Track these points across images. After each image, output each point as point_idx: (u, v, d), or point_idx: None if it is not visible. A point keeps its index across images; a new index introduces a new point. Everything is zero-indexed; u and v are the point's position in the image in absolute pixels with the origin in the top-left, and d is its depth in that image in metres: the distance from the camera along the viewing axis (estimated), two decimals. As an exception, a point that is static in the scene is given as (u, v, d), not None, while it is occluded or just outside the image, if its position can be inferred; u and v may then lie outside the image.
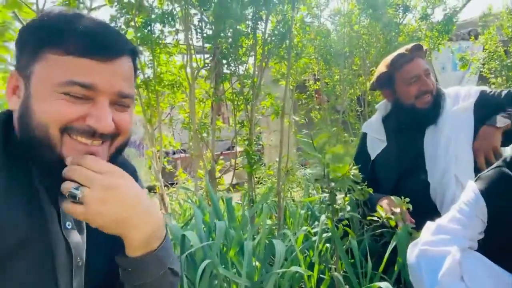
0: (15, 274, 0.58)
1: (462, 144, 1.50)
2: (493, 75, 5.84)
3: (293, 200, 2.19)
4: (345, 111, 3.61)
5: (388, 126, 1.71)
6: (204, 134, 2.33)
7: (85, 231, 0.68)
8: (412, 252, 1.10)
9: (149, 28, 2.20)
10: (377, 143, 1.72)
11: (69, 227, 0.66)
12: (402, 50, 1.60)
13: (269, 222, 1.93)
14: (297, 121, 1.37)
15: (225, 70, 2.30)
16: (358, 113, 3.75)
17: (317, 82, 4.12)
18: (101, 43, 0.60)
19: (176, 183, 3.11)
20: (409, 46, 1.60)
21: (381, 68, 1.66)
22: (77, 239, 0.66)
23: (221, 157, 2.63)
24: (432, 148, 1.55)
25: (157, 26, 2.24)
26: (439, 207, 1.46)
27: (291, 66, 2.06)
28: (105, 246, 0.69)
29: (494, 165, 1.11)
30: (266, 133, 3.62)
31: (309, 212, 1.98)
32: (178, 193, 2.60)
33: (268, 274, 1.19)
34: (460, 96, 1.63)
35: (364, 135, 1.80)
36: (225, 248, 1.33)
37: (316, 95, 4.18)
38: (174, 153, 4.99)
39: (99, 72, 0.59)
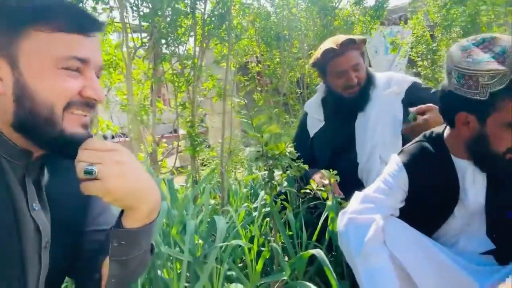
0: None
1: (389, 127, 1.63)
2: (420, 58, 6.31)
3: (237, 180, 2.26)
4: (286, 93, 3.72)
5: (325, 107, 1.82)
6: (144, 117, 2.29)
7: (49, 213, 0.69)
8: (341, 220, 1.18)
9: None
10: (315, 123, 1.83)
11: (36, 208, 0.66)
12: (333, 43, 1.66)
13: (212, 202, 1.97)
14: (238, 103, 1.41)
15: (164, 50, 2.26)
16: (298, 95, 3.89)
17: (259, 64, 4.18)
18: (87, 19, 0.65)
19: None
20: (341, 40, 1.65)
21: (316, 54, 1.74)
22: (44, 220, 0.67)
23: (164, 140, 2.60)
24: (362, 131, 1.68)
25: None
26: (365, 184, 1.59)
27: (231, 47, 2.08)
28: (65, 229, 0.70)
29: (416, 140, 1.23)
30: (210, 115, 3.63)
31: (252, 190, 2.06)
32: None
33: (209, 248, 1.24)
34: (393, 80, 1.74)
35: (305, 114, 1.90)
36: (167, 228, 1.36)
37: (258, 77, 4.25)
38: (113, 137, 4.80)
39: (89, 47, 0.65)
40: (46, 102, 0.61)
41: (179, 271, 1.23)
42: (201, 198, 1.57)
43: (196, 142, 2.16)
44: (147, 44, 2.21)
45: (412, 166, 1.18)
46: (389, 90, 1.69)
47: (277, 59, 3.77)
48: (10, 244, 0.61)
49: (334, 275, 1.24)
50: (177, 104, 2.27)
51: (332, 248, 1.51)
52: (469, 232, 1.16)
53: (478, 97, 0.96)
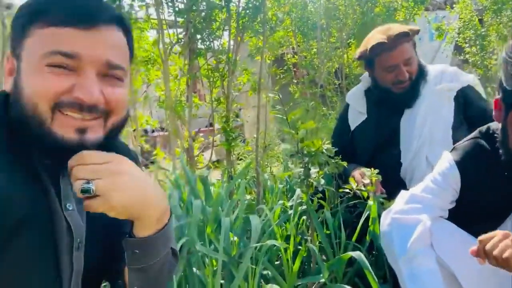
0: (17, 252, 0.58)
1: (438, 126, 1.52)
2: (467, 45, 5.92)
3: (273, 175, 2.22)
4: (323, 84, 3.62)
5: (369, 99, 1.72)
6: (181, 112, 2.31)
7: (85, 214, 0.68)
8: (385, 220, 1.14)
9: (117, 2, 2.12)
10: (357, 115, 1.74)
11: (70, 208, 0.64)
12: (383, 35, 1.53)
13: (248, 197, 1.96)
14: (273, 97, 1.36)
15: (199, 46, 2.25)
16: (336, 86, 3.77)
17: (295, 56, 4.09)
18: (82, 11, 0.59)
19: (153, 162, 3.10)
20: (392, 31, 1.52)
21: (364, 47, 1.61)
22: (78, 220, 0.66)
23: (200, 134, 2.62)
24: (408, 128, 1.57)
25: (127, 0, 2.16)
26: (407, 184, 1.50)
27: (266, 40, 2.04)
28: (102, 230, 0.69)
29: (470, 136, 1.15)
30: (245, 109, 3.61)
31: (287, 186, 2.01)
32: (154, 171, 2.59)
33: (245, 248, 1.22)
34: (445, 75, 1.61)
35: (347, 105, 1.81)
36: (203, 225, 1.35)
37: (295, 69, 4.16)
38: (152, 131, 4.94)
39: (82, 41, 0.58)
40: (30, 100, 0.58)
41: (214, 269, 1.22)
42: (237, 194, 1.55)
43: (231, 137, 2.15)
44: (182, 40, 2.22)
45: (466, 164, 1.10)
46: (441, 86, 1.57)
47: (314, 50, 3.67)
48: (45, 245, 0.61)
49: (375, 278, 1.18)
50: (212, 99, 2.26)
51: (373, 249, 1.44)
52: None
53: None
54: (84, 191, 0.56)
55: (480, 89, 1.61)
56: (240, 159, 3.07)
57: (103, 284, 0.93)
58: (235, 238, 1.36)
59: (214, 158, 3.58)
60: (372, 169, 1.39)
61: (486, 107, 1.52)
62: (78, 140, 0.59)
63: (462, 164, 1.10)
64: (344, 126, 1.75)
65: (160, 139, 4.09)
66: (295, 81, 3.70)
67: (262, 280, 1.34)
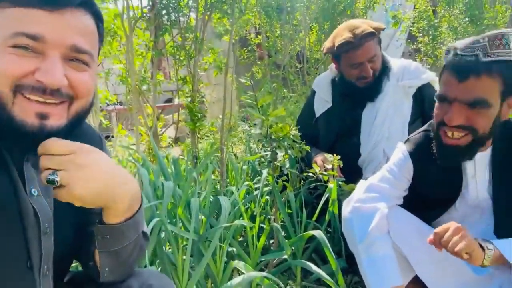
0: None
1: (396, 122, 1.63)
2: (420, 34, 6.22)
3: (235, 155, 2.27)
4: (285, 66, 3.68)
5: (335, 89, 1.78)
6: (144, 87, 2.27)
7: (52, 198, 0.67)
8: (346, 208, 1.21)
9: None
10: (323, 103, 1.80)
11: (35, 194, 0.64)
12: (349, 33, 1.58)
13: (212, 177, 2.00)
14: (244, 83, 1.39)
15: (165, 22, 2.20)
16: (298, 69, 3.84)
17: (259, 36, 4.10)
18: None
19: (112, 136, 3.00)
20: (358, 30, 1.57)
21: (331, 42, 1.66)
22: (44, 206, 0.65)
23: (160, 110, 2.59)
24: (369, 121, 1.66)
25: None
26: (363, 172, 1.62)
27: (235, 22, 2.04)
28: (71, 214, 0.69)
29: (422, 129, 1.23)
30: (207, 88, 3.59)
31: (250, 167, 2.08)
32: (116, 149, 2.54)
33: (214, 228, 1.28)
34: (407, 71, 1.69)
35: (313, 92, 1.87)
36: (171, 205, 1.39)
37: (258, 49, 4.18)
38: (107, 105, 4.74)
39: (47, 23, 0.57)
40: None
41: (183, 247, 1.27)
42: (204, 175, 1.59)
43: (197, 117, 2.16)
44: (148, 15, 2.16)
45: (417, 155, 1.18)
46: (402, 83, 1.66)
47: (278, 31, 3.70)
48: (13, 230, 0.61)
49: (333, 254, 1.29)
50: (177, 78, 2.24)
51: (330, 227, 1.56)
52: (471, 222, 1.18)
53: None
54: (49, 181, 0.56)
55: (437, 85, 1.73)
56: (202, 138, 3.09)
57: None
58: (202, 217, 1.41)
59: (174, 135, 3.57)
60: (335, 155, 1.49)
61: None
62: (39, 126, 0.58)
63: (414, 155, 1.18)
64: (310, 112, 1.83)
65: (116, 114, 3.96)
66: (259, 62, 3.72)
67: (227, 257, 1.42)
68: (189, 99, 2.13)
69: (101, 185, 0.59)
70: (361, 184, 1.23)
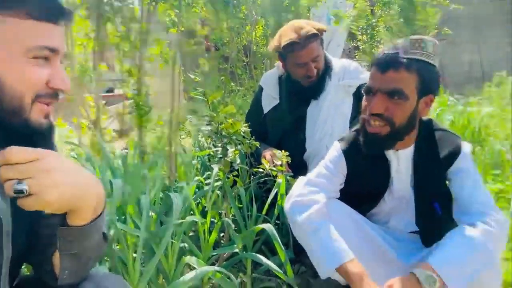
0: None
1: (338, 119, 1.72)
2: (359, 33, 6.54)
3: (184, 150, 2.24)
4: (232, 60, 3.68)
5: (281, 86, 1.84)
6: (86, 80, 2.15)
7: (9, 200, 0.65)
8: (288, 203, 1.28)
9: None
10: (270, 99, 1.86)
11: None
12: (294, 33, 1.63)
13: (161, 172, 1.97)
14: (194, 79, 1.37)
15: (108, 10, 2.10)
16: (245, 63, 3.87)
17: (205, 27, 4.05)
18: (56, 7, 0.64)
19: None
20: (302, 30, 1.63)
21: (276, 42, 1.71)
22: (5, 210, 0.64)
23: (103, 101, 2.47)
24: (313, 118, 1.74)
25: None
26: (309, 167, 1.70)
27: (182, 16, 2.00)
28: (24, 217, 0.67)
29: (355, 128, 1.32)
30: (153, 81, 3.49)
31: (200, 162, 2.08)
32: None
33: (165, 226, 1.27)
34: (348, 70, 1.79)
35: (261, 89, 1.91)
36: (119, 203, 1.35)
37: (205, 41, 4.13)
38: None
39: (58, 36, 0.65)
40: (15, 92, 0.60)
41: (133, 245, 1.25)
42: (154, 171, 1.56)
43: (143, 111, 2.10)
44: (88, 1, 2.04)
45: (350, 152, 1.29)
46: (343, 82, 1.76)
47: (225, 24, 3.68)
48: None
49: (282, 246, 1.35)
50: (121, 69, 2.15)
51: (279, 220, 1.62)
52: (399, 213, 1.32)
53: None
54: (17, 191, 0.54)
55: None
56: (148, 132, 3.00)
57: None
58: (152, 214, 1.40)
59: (117, 127, 3.43)
60: (283, 151, 1.54)
61: None
62: (47, 124, 0.66)
63: (347, 152, 1.29)
64: (258, 108, 1.87)
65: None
66: (206, 54, 3.68)
67: (178, 253, 1.41)
68: (135, 91, 2.06)
69: (69, 189, 0.59)
70: (300, 180, 1.30)
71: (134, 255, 1.23)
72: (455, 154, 1.20)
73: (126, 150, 2.48)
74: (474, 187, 1.16)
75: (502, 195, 2.24)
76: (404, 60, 1.10)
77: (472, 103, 3.97)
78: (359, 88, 1.77)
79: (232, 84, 3.55)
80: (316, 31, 1.65)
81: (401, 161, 1.24)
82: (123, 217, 1.31)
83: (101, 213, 0.68)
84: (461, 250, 1.03)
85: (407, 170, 1.25)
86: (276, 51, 1.75)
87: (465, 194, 1.16)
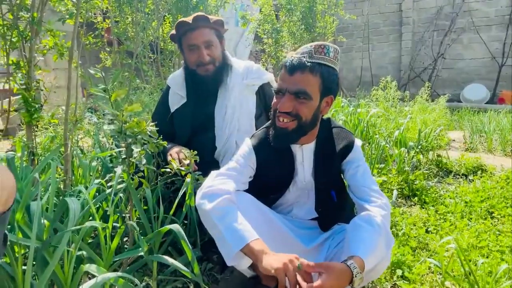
0: None
1: (244, 116, 1.78)
2: (265, 36, 6.82)
3: (82, 151, 2.08)
4: (138, 56, 3.53)
5: (188, 85, 1.83)
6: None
7: None
8: (198, 195, 1.30)
9: None
10: (178, 98, 1.83)
11: None
12: (188, 18, 1.70)
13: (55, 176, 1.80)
14: (94, 74, 1.27)
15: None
16: (151, 60, 3.75)
17: (107, 20, 3.81)
18: None
19: None
20: (194, 15, 1.70)
21: (173, 30, 1.76)
22: None
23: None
24: (220, 117, 1.77)
25: None
26: (220, 164, 1.73)
27: (79, 6, 1.86)
28: None
29: (264, 126, 1.44)
30: (47, 75, 3.16)
31: (101, 163, 1.95)
32: None
33: (61, 232, 1.17)
34: (250, 71, 1.86)
35: (168, 88, 1.87)
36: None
37: (106, 34, 3.88)
38: None
39: None
40: None
41: (22, 256, 1.13)
42: (46, 175, 1.43)
43: (34, 108, 1.90)
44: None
45: (259, 148, 1.38)
46: (247, 81, 1.83)
47: (129, 18, 3.52)
48: None
49: (189, 245, 1.34)
50: (7, 61, 1.92)
51: (187, 219, 1.61)
52: (300, 203, 1.44)
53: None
54: None
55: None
56: (39, 131, 2.72)
57: None
58: (45, 222, 1.28)
59: (1, 126, 3.05)
60: (192, 150, 1.54)
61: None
62: None
63: (257, 148, 1.38)
64: (165, 108, 1.83)
65: None
66: (108, 49, 3.47)
67: (76, 262, 1.32)
68: (24, 86, 1.85)
69: None
70: (211, 174, 1.34)
71: (24, 267, 1.11)
72: (349, 147, 1.36)
73: (12, 153, 2.21)
74: (364, 175, 1.33)
75: (385, 186, 2.55)
76: (309, 64, 1.21)
77: (362, 105, 4.42)
78: (262, 88, 1.86)
79: (137, 81, 3.41)
80: (207, 17, 1.71)
81: (304, 154, 1.36)
82: (8, 226, 1.17)
83: (8, 210, 0.65)
84: (375, 237, 1.15)
85: (309, 162, 1.37)
86: (174, 40, 1.78)
87: (357, 181, 1.33)
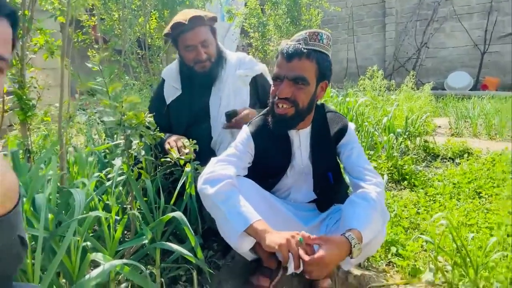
0: None
1: (239, 106, 1.80)
2: (252, 30, 6.83)
3: (75, 148, 2.09)
4: (126, 52, 3.52)
5: (183, 76, 1.85)
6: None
7: None
8: (200, 181, 1.33)
9: None
10: (173, 90, 1.86)
11: None
12: (183, 18, 1.70)
13: (51, 172, 1.81)
14: (92, 68, 1.29)
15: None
16: (139, 56, 3.74)
17: (93, 18, 3.78)
18: None
19: None
20: (190, 15, 1.70)
21: (168, 29, 1.76)
22: None
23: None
24: (215, 108, 1.81)
25: None
26: (217, 153, 1.77)
27: (70, 4, 1.87)
28: None
29: (261, 113, 1.47)
30: (38, 73, 3.14)
31: (97, 158, 1.97)
32: None
33: (66, 222, 1.20)
34: (243, 62, 1.89)
35: (163, 81, 1.90)
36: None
37: (93, 32, 3.86)
38: None
39: None
40: None
41: (30, 246, 1.15)
42: (46, 170, 1.45)
43: (28, 106, 1.90)
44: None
45: (257, 134, 1.42)
46: (239, 72, 1.86)
47: (116, 15, 3.51)
48: None
49: (192, 232, 1.38)
50: None
51: (187, 209, 1.65)
52: (298, 186, 1.49)
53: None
54: None
55: (268, 76, 2.01)
56: (32, 130, 2.71)
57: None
58: (50, 215, 1.30)
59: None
60: (191, 140, 1.57)
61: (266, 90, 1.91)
62: None
63: (255, 134, 1.42)
64: (160, 100, 1.86)
65: None
66: (96, 46, 3.46)
67: (82, 252, 1.34)
68: (17, 84, 1.85)
69: None
70: (211, 161, 1.37)
71: (33, 261, 1.13)
72: (343, 131, 1.42)
73: (4, 152, 2.21)
74: (358, 156, 1.39)
75: (376, 171, 2.62)
76: (305, 50, 1.25)
77: (350, 94, 4.49)
78: (254, 78, 1.89)
79: (126, 77, 3.41)
80: (202, 15, 1.73)
81: (301, 139, 1.41)
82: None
83: (10, 211, 0.61)
84: (370, 212, 1.21)
85: (306, 147, 1.42)
86: (168, 38, 1.79)
87: (353, 162, 1.38)
